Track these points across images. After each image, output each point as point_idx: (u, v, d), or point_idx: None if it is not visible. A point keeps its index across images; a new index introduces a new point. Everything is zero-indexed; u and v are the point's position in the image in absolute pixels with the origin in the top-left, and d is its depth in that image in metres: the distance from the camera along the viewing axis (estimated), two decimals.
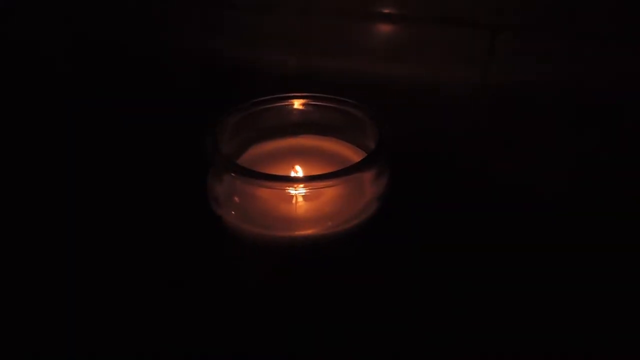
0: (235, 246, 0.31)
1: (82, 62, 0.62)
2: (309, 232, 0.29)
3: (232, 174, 0.29)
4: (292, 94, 0.34)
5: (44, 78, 0.59)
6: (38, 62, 0.61)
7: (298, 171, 0.33)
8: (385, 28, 0.55)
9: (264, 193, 0.31)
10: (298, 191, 0.30)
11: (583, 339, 0.31)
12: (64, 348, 0.30)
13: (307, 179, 0.29)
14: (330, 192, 0.31)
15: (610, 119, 0.48)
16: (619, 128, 0.48)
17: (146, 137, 0.47)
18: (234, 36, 0.58)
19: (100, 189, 0.42)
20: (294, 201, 0.31)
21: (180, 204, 0.38)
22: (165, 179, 0.41)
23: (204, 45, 0.59)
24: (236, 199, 0.30)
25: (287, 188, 0.29)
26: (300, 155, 0.35)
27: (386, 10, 0.54)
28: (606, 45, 0.50)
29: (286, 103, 0.34)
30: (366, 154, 0.31)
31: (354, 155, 0.34)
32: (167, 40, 0.60)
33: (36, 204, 0.40)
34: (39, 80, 0.58)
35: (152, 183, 0.42)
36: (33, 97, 0.55)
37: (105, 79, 0.58)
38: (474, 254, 0.35)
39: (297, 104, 0.34)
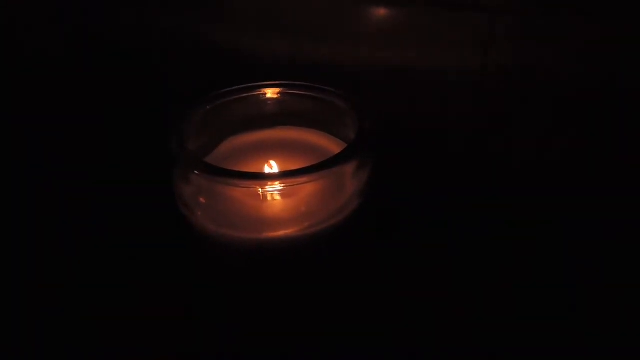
0: (204, 250, 0.29)
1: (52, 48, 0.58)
2: (283, 233, 0.27)
3: (196, 172, 0.26)
4: (265, 83, 0.31)
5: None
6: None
7: (273, 166, 0.31)
8: (380, 11, 0.52)
9: (234, 192, 0.28)
10: (270, 189, 0.27)
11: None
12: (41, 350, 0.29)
13: (278, 176, 0.26)
14: (306, 189, 0.28)
15: (611, 103, 0.46)
16: (620, 112, 0.45)
17: (112, 130, 0.44)
18: (218, 18, 0.55)
19: (63, 187, 0.39)
20: (267, 199, 0.28)
21: (147, 204, 0.35)
22: (132, 177, 0.39)
23: (183, 26, 0.55)
24: (202, 199, 0.27)
25: (256, 186, 0.26)
26: (276, 148, 0.32)
27: None
28: (609, 29, 0.47)
29: (258, 92, 0.31)
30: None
31: (334, 147, 0.31)
32: (140, 21, 0.56)
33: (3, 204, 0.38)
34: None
35: (117, 183, 0.39)
36: None
37: (67, 61, 0.54)
38: (466, 255, 0.33)
39: (271, 93, 0.32)
